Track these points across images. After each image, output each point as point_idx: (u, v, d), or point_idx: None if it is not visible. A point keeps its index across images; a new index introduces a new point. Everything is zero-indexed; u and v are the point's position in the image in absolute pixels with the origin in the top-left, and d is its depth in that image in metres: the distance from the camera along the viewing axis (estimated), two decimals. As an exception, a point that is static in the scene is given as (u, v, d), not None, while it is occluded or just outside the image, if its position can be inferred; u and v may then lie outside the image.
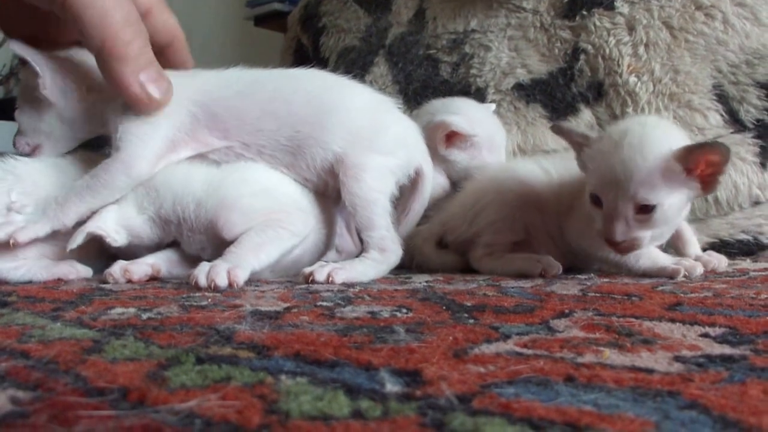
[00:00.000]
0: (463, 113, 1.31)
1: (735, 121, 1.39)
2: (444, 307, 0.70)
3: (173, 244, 1.02)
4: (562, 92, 1.58)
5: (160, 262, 1.00)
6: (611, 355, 0.48)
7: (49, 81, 0.99)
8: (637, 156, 0.90)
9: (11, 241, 0.91)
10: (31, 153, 1.03)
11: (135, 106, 0.95)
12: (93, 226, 0.94)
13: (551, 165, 1.17)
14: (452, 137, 1.28)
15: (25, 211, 0.97)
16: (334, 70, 1.97)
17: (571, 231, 1.09)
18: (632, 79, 1.50)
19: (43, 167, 1.01)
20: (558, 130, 1.05)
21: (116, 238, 0.96)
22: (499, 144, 1.34)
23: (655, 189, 0.91)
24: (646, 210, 0.92)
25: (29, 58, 0.99)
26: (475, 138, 1.29)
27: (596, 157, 0.95)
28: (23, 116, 1.03)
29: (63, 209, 0.94)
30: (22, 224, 0.93)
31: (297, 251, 1.01)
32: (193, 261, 0.96)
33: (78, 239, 0.93)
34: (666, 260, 1.03)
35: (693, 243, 1.14)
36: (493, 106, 1.49)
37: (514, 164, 1.25)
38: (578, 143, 1.00)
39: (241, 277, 0.86)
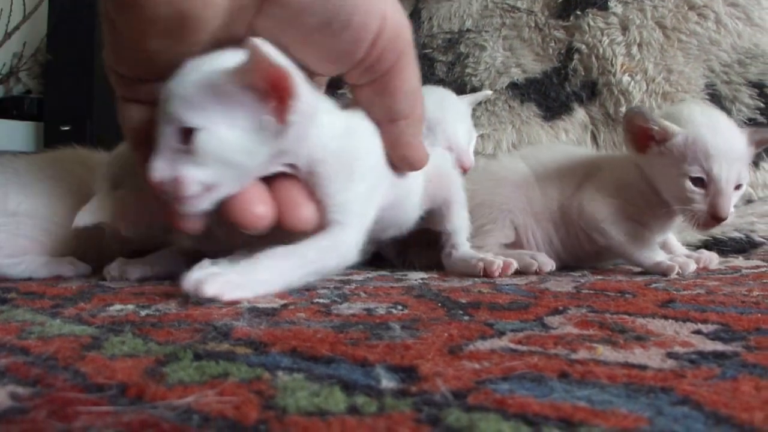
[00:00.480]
0: None
1: (727, 119, 1.40)
2: (439, 304, 0.70)
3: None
4: (556, 91, 1.59)
5: (160, 262, 0.99)
6: (605, 352, 0.48)
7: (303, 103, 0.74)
8: (737, 137, 1.00)
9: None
10: (199, 197, 0.75)
11: (412, 165, 0.89)
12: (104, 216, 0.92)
13: (541, 157, 1.20)
14: None
15: None
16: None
17: (583, 204, 1.10)
18: (626, 78, 1.51)
19: (42, 164, 1.01)
20: (638, 116, 1.04)
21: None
22: (438, 118, 1.25)
23: (747, 168, 1.01)
24: (738, 188, 1.00)
25: (292, 78, 0.72)
26: None
27: (698, 142, 0.99)
28: (216, 144, 0.73)
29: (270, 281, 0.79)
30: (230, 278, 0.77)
31: None
32: (191, 258, 0.96)
33: (86, 219, 0.91)
34: (662, 256, 1.04)
35: (679, 246, 1.17)
36: (482, 94, 1.44)
37: (504, 165, 1.25)
38: (653, 132, 1.02)
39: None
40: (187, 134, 0.73)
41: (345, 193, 0.82)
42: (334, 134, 0.82)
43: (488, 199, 1.16)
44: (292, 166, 0.81)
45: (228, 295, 0.72)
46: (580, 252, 1.15)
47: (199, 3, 0.72)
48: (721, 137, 0.98)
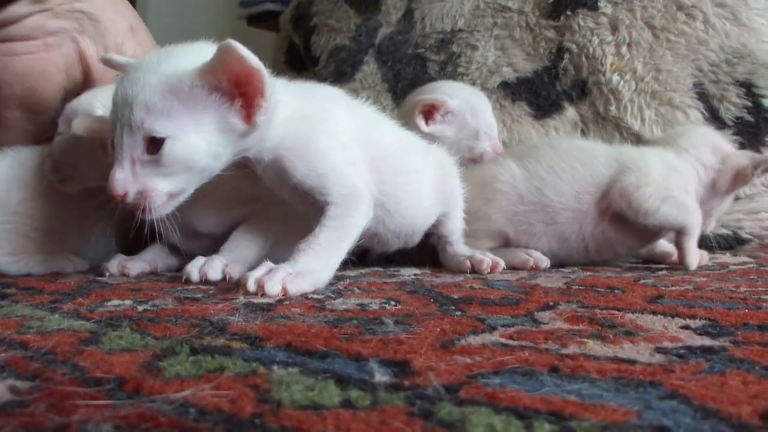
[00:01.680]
0: (433, 89, 1.31)
1: (715, 118, 1.42)
2: (432, 300, 0.71)
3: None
4: (546, 90, 1.60)
5: (157, 257, 0.99)
6: (594, 347, 0.49)
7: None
8: None
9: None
10: (164, 205, 0.75)
11: None
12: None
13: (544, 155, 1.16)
14: (430, 113, 1.25)
15: None
16: (325, 68, 1.99)
17: (630, 193, 1.08)
18: (615, 77, 1.52)
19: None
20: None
21: None
22: (478, 107, 1.28)
23: None
24: None
25: (264, 76, 0.73)
26: (450, 104, 1.24)
27: None
28: (186, 152, 0.72)
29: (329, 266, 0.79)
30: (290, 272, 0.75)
31: None
32: (187, 253, 0.96)
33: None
34: (669, 246, 1.07)
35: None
36: None
37: (500, 170, 1.18)
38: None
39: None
40: (153, 143, 0.71)
41: (318, 173, 0.81)
42: (283, 118, 0.80)
43: (475, 206, 1.14)
44: (243, 165, 0.81)
45: (293, 289, 0.72)
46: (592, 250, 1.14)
47: (45, 83, 1.01)
48: None
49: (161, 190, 0.73)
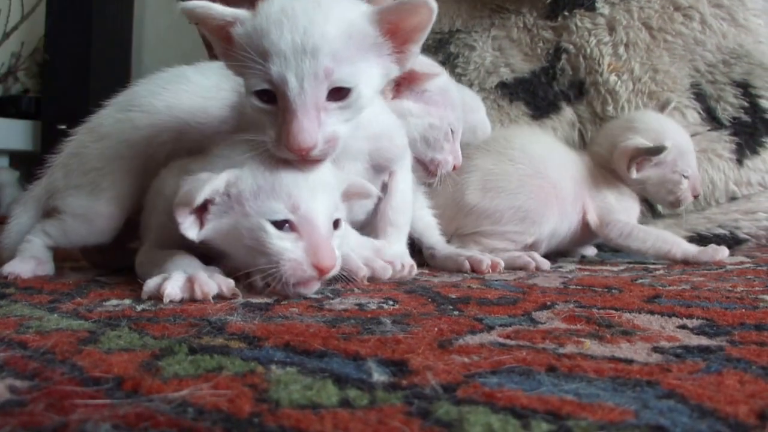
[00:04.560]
0: (647, 128, 1.29)
1: (712, 118, 1.42)
2: (429, 300, 0.71)
3: None
4: (544, 90, 1.60)
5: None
6: (592, 346, 0.49)
7: None
8: None
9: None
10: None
11: None
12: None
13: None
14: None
15: None
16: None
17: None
18: (612, 78, 1.52)
19: None
20: None
21: None
22: (685, 148, 1.21)
23: None
24: None
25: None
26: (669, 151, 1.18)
27: None
28: (367, 97, 0.71)
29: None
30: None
31: None
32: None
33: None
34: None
35: None
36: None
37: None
38: None
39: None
40: (338, 91, 0.69)
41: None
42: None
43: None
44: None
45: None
46: None
47: None
48: None
49: (344, 134, 0.71)
